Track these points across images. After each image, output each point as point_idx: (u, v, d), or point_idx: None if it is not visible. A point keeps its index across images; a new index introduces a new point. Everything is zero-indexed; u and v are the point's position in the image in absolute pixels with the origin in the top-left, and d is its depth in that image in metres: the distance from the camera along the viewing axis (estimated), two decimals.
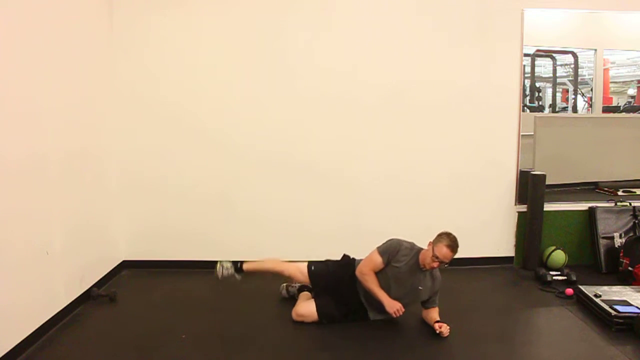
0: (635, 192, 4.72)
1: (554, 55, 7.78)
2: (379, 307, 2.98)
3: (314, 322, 3.02)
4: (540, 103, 8.02)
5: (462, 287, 3.68)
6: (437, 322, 2.90)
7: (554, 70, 8.02)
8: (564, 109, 8.23)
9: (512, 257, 4.22)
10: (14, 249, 2.59)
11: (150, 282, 3.82)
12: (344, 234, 3.92)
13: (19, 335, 2.61)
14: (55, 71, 3.00)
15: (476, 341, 2.86)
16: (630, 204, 4.24)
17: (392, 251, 2.95)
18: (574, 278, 3.72)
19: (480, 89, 4.03)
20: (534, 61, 7.52)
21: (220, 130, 3.97)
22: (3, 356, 2.45)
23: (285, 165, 4.01)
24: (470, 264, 3.96)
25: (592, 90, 7.74)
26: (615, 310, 2.96)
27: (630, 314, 2.92)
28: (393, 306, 2.88)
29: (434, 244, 2.86)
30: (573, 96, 8.09)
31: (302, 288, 3.40)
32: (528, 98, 7.44)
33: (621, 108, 8.32)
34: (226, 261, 3.32)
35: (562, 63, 8.20)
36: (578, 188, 4.98)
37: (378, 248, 2.99)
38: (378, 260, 2.94)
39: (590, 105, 7.75)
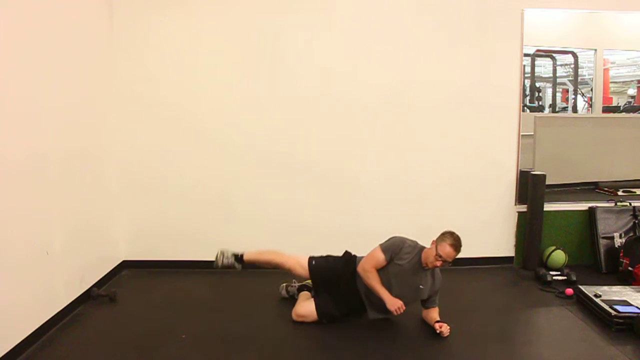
0: (635, 192, 4.72)
1: (554, 55, 7.78)
2: (380, 306, 2.97)
3: (314, 322, 3.02)
4: (540, 103, 8.02)
5: (462, 287, 3.68)
6: (437, 322, 2.90)
7: (554, 70, 8.02)
8: (564, 109, 8.23)
9: (512, 257, 4.22)
10: (14, 249, 2.59)
11: (150, 282, 3.82)
12: (344, 234, 3.91)
13: (19, 335, 2.61)
14: (55, 71, 3.00)
15: (476, 341, 2.86)
16: (630, 204, 4.24)
17: (395, 248, 2.94)
18: (574, 278, 3.72)
19: (480, 89, 4.03)
20: (534, 61, 7.52)
21: (220, 130, 3.97)
22: (3, 356, 2.45)
23: (285, 165, 4.01)
24: (470, 264, 3.96)
25: (592, 90, 7.74)
26: (615, 310, 2.96)
27: (630, 314, 2.92)
28: (394, 304, 2.87)
29: (437, 242, 2.85)
30: (573, 96, 8.10)
31: (301, 288, 3.40)
32: (528, 98, 7.44)
33: (621, 108, 8.32)
34: (227, 250, 3.31)
35: (562, 63, 8.20)
36: (578, 188, 4.98)
37: (381, 245, 2.98)
38: (381, 257, 2.93)
39: (590, 105, 7.76)
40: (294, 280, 3.47)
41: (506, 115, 4.08)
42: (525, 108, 7.05)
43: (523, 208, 4.14)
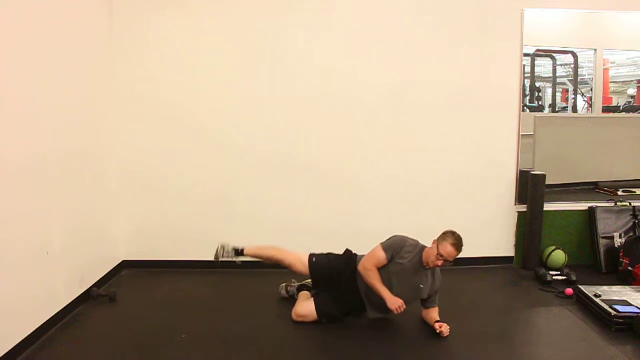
0: (635, 192, 4.72)
1: (554, 55, 7.78)
2: (380, 305, 2.97)
3: (314, 321, 3.02)
4: (540, 103, 8.02)
5: (462, 287, 3.68)
6: (437, 322, 2.90)
7: (554, 70, 8.02)
8: (564, 109, 8.24)
9: (512, 257, 4.22)
10: (14, 249, 2.59)
11: (150, 282, 3.82)
12: (344, 234, 3.91)
13: (19, 335, 2.61)
14: (55, 71, 3.00)
15: (476, 341, 2.86)
16: (630, 204, 4.24)
17: (396, 247, 2.94)
18: (574, 278, 3.72)
19: (480, 89, 4.03)
20: (534, 61, 7.53)
21: (220, 130, 3.97)
22: (3, 356, 2.45)
23: (285, 165, 4.01)
24: (470, 264, 3.95)
25: (592, 90, 7.74)
26: (615, 310, 2.96)
27: (630, 314, 2.92)
28: (395, 303, 2.86)
29: (438, 242, 2.85)
30: (573, 96, 8.10)
31: (301, 287, 3.40)
32: (528, 98, 7.44)
33: (621, 108, 8.32)
34: (227, 244, 3.30)
35: (562, 63, 8.20)
36: (578, 188, 4.98)
37: (382, 244, 2.98)
38: (382, 256, 2.93)
39: (590, 105, 7.76)
40: (293, 280, 3.47)
41: (506, 115, 4.08)
42: (525, 108, 7.05)
43: (523, 208, 4.14)
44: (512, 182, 4.15)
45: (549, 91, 8.60)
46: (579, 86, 8.01)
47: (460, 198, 4.10)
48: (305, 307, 3.07)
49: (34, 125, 2.80)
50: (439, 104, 4.02)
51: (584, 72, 8.20)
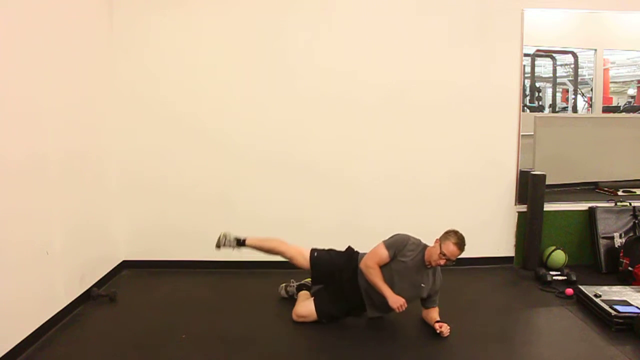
0: (635, 192, 4.72)
1: (554, 55, 7.78)
2: (380, 304, 2.96)
3: (314, 321, 3.02)
4: (540, 103, 8.02)
5: (462, 287, 3.68)
6: (437, 322, 2.90)
7: (554, 70, 8.02)
8: (564, 109, 8.24)
9: (512, 257, 4.22)
10: (14, 249, 2.59)
11: (150, 282, 3.82)
12: (344, 234, 3.89)
13: (19, 335, 2.61)
14: (55, 71, 3.00)
15: (476, 341, 2.86)
16: (630, 204, 4.24)
17: (399, 245, 2.93)
18: (574, 278, 3.72)
19: (480, 89, 4.03)
20: (534, 61, 7.53)
21: (220, 130, 3.97)
22: (3, 356, 2.45)
23: (285, 165, 4.01)
24: (470, 264, 3.95)
25: (592, 90, 7.74)
26: (615, 310, 2.96)
27: (630, 314, 2.92)
28: (397, 301, 2.85)
29: (441, 241, 2.85)
30: (573, 96, 8.10)
31: (300, 287, 3.40)
32: (528, 98, 7.44)
33: (621, 108, 8.32)
34: (229, 233, 3.30)
35: (562, 63, 8.20)
36: (578, 188, 4.98)
37: (384, 242, 2.97)
38: (384, 254, 2.92)
39: (590, 105, 7.76)
40: (292, 280, 3.48)
41: (506, 115, 4.08)
42: (525, 108, 7.05)
43: (523, 208, 4.14)
44: (512, 182, 4.15)
45: (549, 91, 8.59)
46: (579, 86, 8.01)
47: (460, 198, 4.10)
48: (305, 307, 3.07)
49: (34, 125, 2.80)
50: (439, 104, 4.02)
51: (584, 72, 8.20)
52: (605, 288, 3.33)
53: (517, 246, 4.19)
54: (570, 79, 8.02)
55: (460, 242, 2.82)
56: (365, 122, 4.01)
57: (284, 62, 3.94)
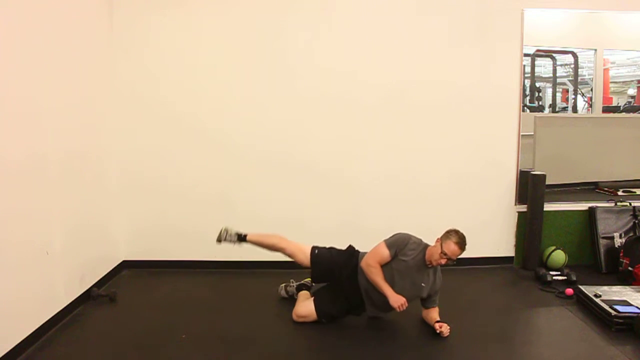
0: (635, 192, 4.72)
1: (554, 55, 7.78)
2: (379, 303, 2.97)
3: (314, 321, 3.02)
4: (540, 103, 8.02)
5: (462, 287, 3.68)
6: (437, 322, 2.90)
7: (554, 70, 8.02)
8: (564, 109, 8.23)
9: (512, 257, 4.22)
10: (14, 249, 2.59)
11: (150, 282, 3.82)
12: (344, 234, 3.88)
13: (19, 335, 2.61)
14: (55, 71, 3.00)
15: (476, 341, 2.86)
16: (630, 204, 4.24)
17: (400, 244, 2.93)
18: (574, 278, 3.72)
19: (480, 89, 4.03)
20: (534, 61, 7.52)
21: (220, 130, 3.97)
22: (3, 356, 2.45)
23: (285, 165, 4.01)
24: (470, 264, 3.95)
25: (592, 90, 7.74)
26: (615, 310, 2.96)
27: (630, 314, 2.92)
28: (398, 300, 2.85)
29: (442, 240, 2.85)
30: (573, 96, 8.09)
31: (300, 287, 3.40)
32: (528, 98, 7.44)
33: (621, 108, 8.32)
34: (231, 228, 3.31)
35: (562, 63, 8.20)
36: (578, 188, 4.98)
37: (385, 241, 2.97)
38: (385, 253, 2.92)
39: (590, 105, 7.76)
40: (291, 280, 3.48)
41: (506, 115, 4.08)
42: (525, 108, 7.05)
43: (523, 208, 4.14)
44: (512, 182, 4.15)
45: (549, 91, 8.59)
46: (579, 86, 8.01)
47: (460, 198, 4.10)
48: (305, 307, 3.07)
49: (34, 125, 2.80)
50: (439, 104, 4.02)
51: (584, 72, 8.20)
52: (605, 288, 3.33)
53: (517, 246, 4.20)
54: (570, 79, 8.02)
55: (462, 242, 2.83)
56: (365, 122, 4.01)
57: (284, 62, 3.94)
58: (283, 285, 3.47)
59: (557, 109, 8.06)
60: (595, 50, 7.13)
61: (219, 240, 3.29)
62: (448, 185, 4.10)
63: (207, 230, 3.96)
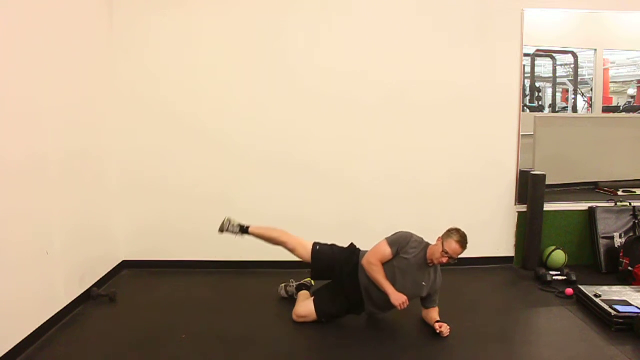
0: (635, 192, 4.72)
1: (554, 55, 7.77)
2: (379, 302, 2.96)
3: (314, 321, 3.02)
4: (540, 103, 8.01)
5: (462, 287, 3.68)
6: (437, 322, 2.90)
7: (554, 70, 8.02)
8: (564, 109, 8.23)
9: (512, 257, 4.22)
10: (14, 249, 2.59)
11: (150, 282, 3.82)
12: (344, 234, 3.87)
13: (19, 335, 2.62)
14: (55, 71, 3.00)
15: (476, 341, 2.86)
16: (630, 204, 4.24)
17: (401, 242, 2.93)
18: (574, 278, 3.72)
19: (480, 89, 4.03)
20: (534, 61, 7.52)
21: (220, 130, 3.97)
22: (3, 356, 2.45)
23: (285, 165, 4.01)
24: (470, 264, 3.95)
25: (592, 90, 7.73)
26: (615, 310, 2.96)
27: (630, 314, 2.92)
28: (399, 299, 2.84)
29: (443, 239, 2.86)
30: (573, 96, 8.09)
31: (300, 287, 3.40)
32: (528, 98, 7.44)
33: (621, 108, 8.32)
34: (234, 219, 3.30)
35: (562, 63, 8.19)
36: (578, 188, 4.98)
37: (387, 239, 2.97)
38: (387, 251, 2.92)
39: (590, 105, 7.75)
40: (291, 280, 3.48)
41: (506, 115, 4.08)
42: (525, 108, 7.04)
43: (523, 208, 4.14)
44: (512, 182, 4.15)
45: (549, 91, 8.59)
46: (579, 86, 8.00)
47: (460, 198, 4.10)
48: (305, 307, 3.07)
49: (34, 125, 2.80)
50: (439, 104, 4.02)
51: (584, 72, 8.19)
52: (605, 288, 3.33)
53: (517, 246, 4.20)
54: (570, 79, 8.02)
55: (463, 240, 2.83)
56: (365, 122, 4.01)
57: (284, 62, 3.94)
58: (283, 285, 3.47)
59: (557, 109, 8.05)
60: (595, 50, 7.12)
61: (222, 230, 3.29)
62: (448, 185, 4.10)
63: (207, 230, 3.96)
